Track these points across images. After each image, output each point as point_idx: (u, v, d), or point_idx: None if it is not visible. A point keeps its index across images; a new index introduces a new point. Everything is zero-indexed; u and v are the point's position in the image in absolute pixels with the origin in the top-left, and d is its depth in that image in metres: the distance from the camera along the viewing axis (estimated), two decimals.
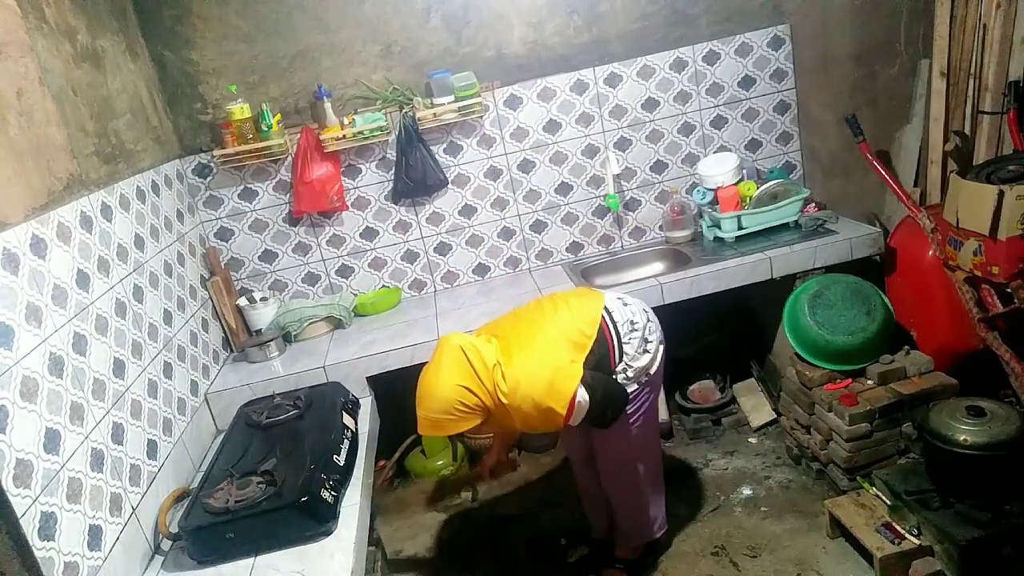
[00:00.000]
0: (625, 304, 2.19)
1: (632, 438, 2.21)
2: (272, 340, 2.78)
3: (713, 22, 3.04)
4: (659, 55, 3.05)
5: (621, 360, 2.11)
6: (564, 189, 3.18)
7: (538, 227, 3.22)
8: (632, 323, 2.14)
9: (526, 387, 1.92)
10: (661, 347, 2.21)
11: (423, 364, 2.63)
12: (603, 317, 2.11)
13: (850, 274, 2.75)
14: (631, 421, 2.17)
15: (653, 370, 2.18)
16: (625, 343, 2.11)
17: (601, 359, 2.07)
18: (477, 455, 3.17)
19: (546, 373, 1.94)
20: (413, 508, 3.07)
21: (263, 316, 2.93)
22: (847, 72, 3.16)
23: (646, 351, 2.15)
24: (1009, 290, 2.40)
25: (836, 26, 3.10)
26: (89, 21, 2.30)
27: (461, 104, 2.87)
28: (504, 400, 1.91)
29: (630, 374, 2.12)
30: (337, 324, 2.97)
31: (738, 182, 3.04)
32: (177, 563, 1.83)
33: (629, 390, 2.11)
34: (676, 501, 2.62)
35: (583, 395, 1.98)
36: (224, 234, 3.02)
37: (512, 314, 2.21)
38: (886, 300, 2.72)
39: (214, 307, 2.84)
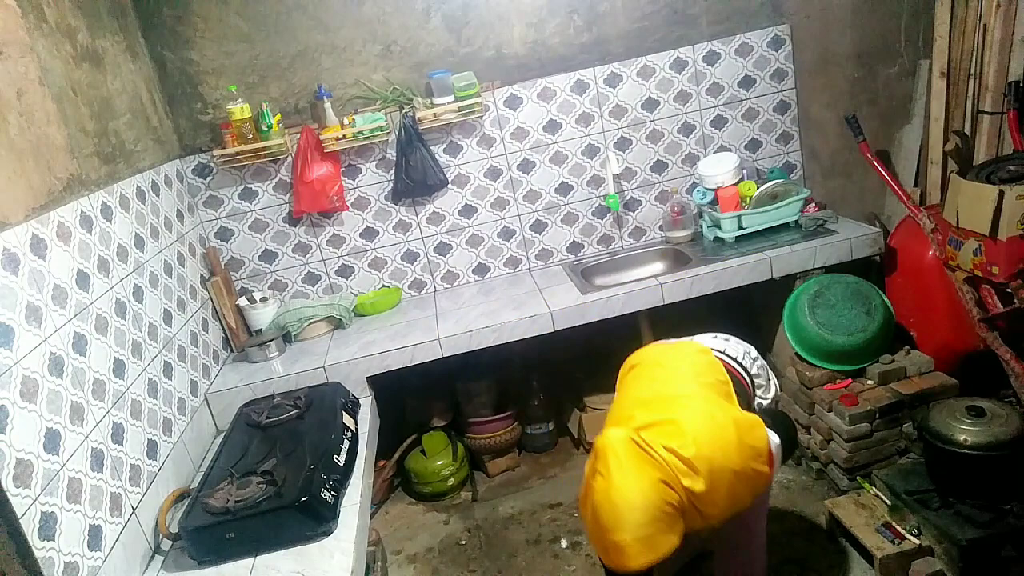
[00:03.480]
0: (726, 339, 2.00)
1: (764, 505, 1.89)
2: (272, 340, 2.78)
3: (713, 22, 3.04)
4: (659, 55, 3.05)
5: (754, 395, 1.92)
6: (564, 189, 3.18)
7: (538, 227, 3.22)
8: (748, 353, 1.97)
9: (721, 459, 1.53)
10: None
11: (423, 364, 2.67)
12: (719, 357, 1.89)
13: (850, 274, 2.75)
14: None
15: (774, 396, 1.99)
16: (755, 376, 1.94)
17: (748, 402, 1.83)
18: (477, 455, 3.17)
19: (729, 434, 1.57)
20: (413, 508, 3.07)
21: (263, 316, 2.93)
22: (847, 72, 3.16)
23: (770, 379, 1.98)
24: (1009, 290, 2.40)
25: (836, 26, 3.10)
26: (89, 21, 2.30)
27: (461, 104, 2.87)
28: (698, 488, 1.51)
29: (765, 406, 1.96)
30: (337, 324, 2.97)
31: (738, 182, 3.04)
32: (177, 563, 1.83)
33: None
34: None
35: (774, 438, 1.65)
36: (224, 234, 3.02)
37: (627, 393, 1.84)
38: (886, 300, 2.72)
39: (214, 307, 2.84)
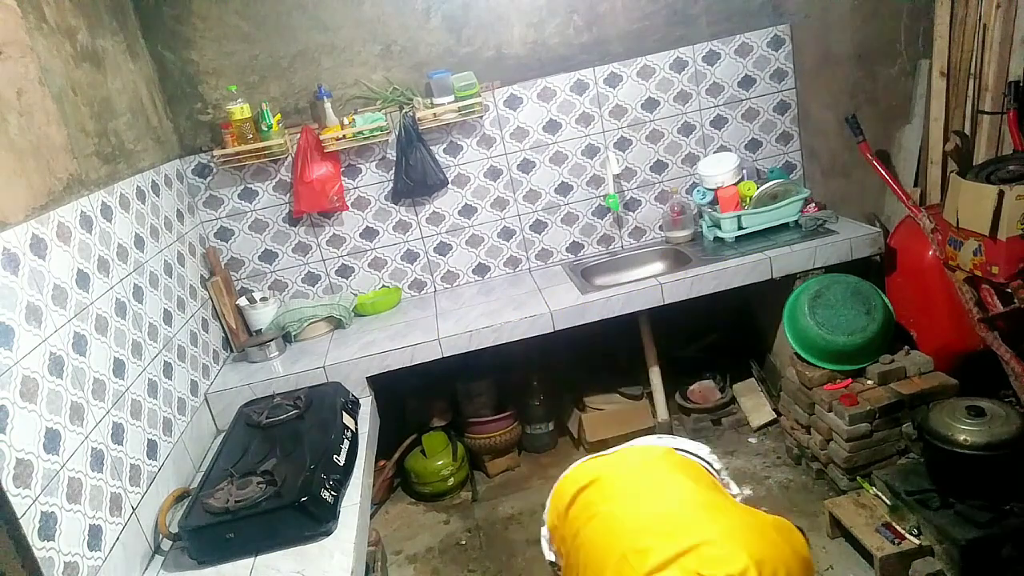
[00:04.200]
0: (673, 439, 1.79)
1: None
2: (272, 340, 2.78)
3: (713, 22, 3.04)
4: (659, 55, 3.05)
5: None
6: (564, 189, 3.18)
7: (538, 227, 3.21)
8: (702, 447, 1.75)
9: (783, 570, 1.28)
10: None
11: (423, 364, 2.66)
12: (684, 456, 1.67)
13: (850, 274, 2.75)
14: None
15: None
16: (720, 471, 1.73)
17: None
18: (477, 455, 3.17)
19: (782, 549, 1.32)
20: (413, 508, 3.07)
21: (263, 316, 2.93)
22: (847, 72, 3.15)
23: (729, 477, 1.75)
24: (1009, 290, 2.39)
25: (836, 26, 3.09)
26: (89, 21, 2.30)
27: (461, 104, 2.87)
28: None
29: None
30: (337, 324, 2.97)
31: (738, 182, 3.04)
32: (177, 563, 1.83)
33: None
34: None
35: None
36: (224, 234, 3.02)
37: (604, 523, 1.46)
38: (886, 300, 2.72)
39: (214, 307, 2.84)
